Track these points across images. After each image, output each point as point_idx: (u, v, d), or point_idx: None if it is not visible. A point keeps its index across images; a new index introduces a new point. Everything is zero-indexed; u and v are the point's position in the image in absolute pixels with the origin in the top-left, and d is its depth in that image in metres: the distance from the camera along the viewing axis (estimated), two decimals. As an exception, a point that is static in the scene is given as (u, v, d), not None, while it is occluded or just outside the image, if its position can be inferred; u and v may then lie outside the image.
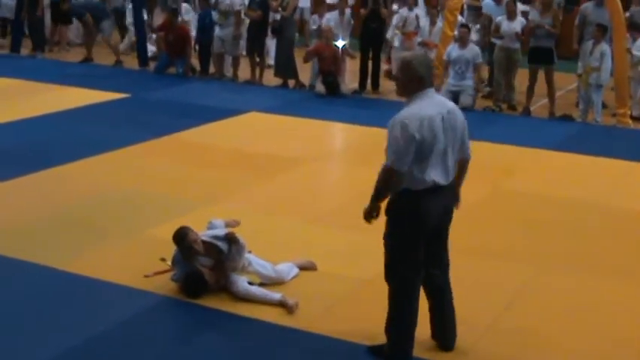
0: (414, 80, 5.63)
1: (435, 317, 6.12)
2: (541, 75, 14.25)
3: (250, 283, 6.82)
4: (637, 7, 15.95)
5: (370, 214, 5.77)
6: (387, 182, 5.58)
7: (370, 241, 7.93)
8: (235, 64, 16.62)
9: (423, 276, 5.83)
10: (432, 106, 5.62)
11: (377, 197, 5.69)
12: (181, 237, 6.82)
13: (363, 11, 15.94)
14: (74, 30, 20.38)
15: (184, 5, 17.98)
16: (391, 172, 5.53)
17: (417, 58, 5.71)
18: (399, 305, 5.82)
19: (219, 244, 6.84)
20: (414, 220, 5.66)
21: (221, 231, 7.06)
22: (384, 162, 5.58)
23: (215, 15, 16.55)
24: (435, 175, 5.62)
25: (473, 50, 14.37)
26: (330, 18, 15.94)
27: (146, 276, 7.05)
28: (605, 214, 9.28)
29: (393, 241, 5.74)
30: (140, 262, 7.30)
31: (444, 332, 6.15)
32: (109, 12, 18.34)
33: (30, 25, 18.96)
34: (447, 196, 5.81)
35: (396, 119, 5.54)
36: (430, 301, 6.08)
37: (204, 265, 6.79)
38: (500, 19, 14.71)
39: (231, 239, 6.84)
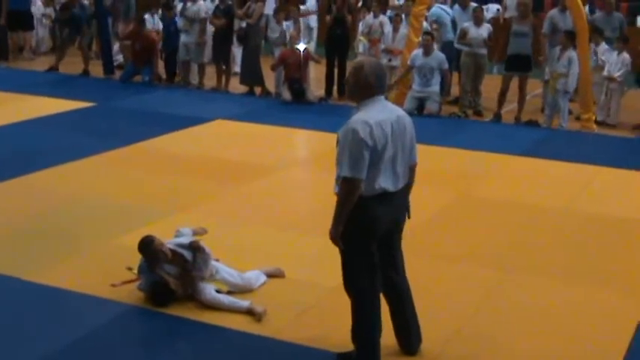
0: (364, 86, 5.62)
1: (398, 322, 6.11)
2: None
3: (218, 291, 6.80)
4: (601, 13, 16.11)
5: (337, 237, 5.61)
6: (350, 194, 5.47)
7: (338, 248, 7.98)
8: (201, 71, 16.61)
9: (381, 281, 5.82)
10: (382, 112, 5.60)
11: (341, 214, 5.52)
12: (146, 244, 6.79)
13: (328, 18, 15.99)
14: (38, 37, 20.29)
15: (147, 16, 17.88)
16: (352, 182, 5.44)
17: (368, 64, 5.70)
18: (361, 313, 5.80)
19: (184, 252, 6.82)
20: (363, 227, 5.61)
21: (186, 239, 7.04)
22: (338, 174, 5.51)
23: (180, 22, 16.53)
24: (384, 181, 5.58)
25: (438, 57, 14.41)
26: (289, 25, 16.01)
27: (113, 285, 7.00)
28: (572, 219, 9.34)
29: (346, 247, 5.67)
30: (107, 272, 7.25)
31: (408, 337, 6.15)
32: (90, 20, 18.23)
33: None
34: (398, 202, 5.77)
35: (346, 127, 5.50)
36: (390, 306, 6.07)
37: (170, 274, 6.76)
38: (467, 25, 14.79)
39: (195, 248, 6.81)
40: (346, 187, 5.47)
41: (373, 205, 5.57)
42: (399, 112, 5.81)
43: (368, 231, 5.64)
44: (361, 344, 5.86)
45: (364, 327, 5.82)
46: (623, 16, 16.34)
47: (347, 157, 5.44)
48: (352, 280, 5.77)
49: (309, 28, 15.98)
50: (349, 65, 5.82)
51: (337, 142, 5.57)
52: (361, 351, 5.86)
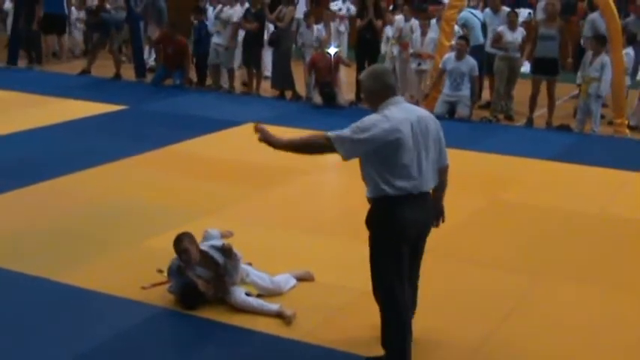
0: (378, 90, 5.72)
1: None
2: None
3: (248, 294, 6.80)
4: (633, 16, 15.99)
5: (266, 140, 5.93)
6: (318, 145, 5.72)
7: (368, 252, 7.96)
8: (231, 75, 16.64)
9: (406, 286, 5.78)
10: (400, 112, 5.63)
11: (290, 144, 5.85)
12: (176, 242, 6.82)
13: (359, 22, 15.97)
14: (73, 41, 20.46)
15: None
16: (330, 141, 5.59)
17: (377, 69, 5.89)
18: (390, 317, 5.78)
19: (215, 255, 6.82)
20: (393, 229, 5.61)
21: (218, 242, 7.05)
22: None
23: (213, 24, 16.58)
24: (403, 181, 5.55)
25: (469, 62, 14.36)
26: (321, 28, 16.00)
27: (143, 288, 7.02)
28: (604, 224, 9.27)
29: (375, 250, 5.69)
30: (137, 274, 7.28)
31: None
32: (123, 24, 18.33)
33: (27, 38, 18.94)
34: (426, 206, 5.75)
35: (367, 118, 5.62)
36: None
37: (200, 276, 6.76)
38: (502, 29, 14.72)
39: (226, 251, 6.81)
40: (326, 140, 5.61)
41: (401, 206, 5.56)
42: (421, 112, 5.81)
43: (398, 234, 5.61)
44: (391, 349, 5.82)
45: (394, 330, 5.78)
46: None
47: (354, 129, 5.54)
48: (380, 281, 5.77)
49: (339, 32, 15.93)
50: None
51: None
52: (391, 355, 5.82)
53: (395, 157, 5.50)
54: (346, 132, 5.57)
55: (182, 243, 6.78)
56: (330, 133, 5.59)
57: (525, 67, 15.50)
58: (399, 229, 5.60)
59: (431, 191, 5.78)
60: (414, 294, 6.06)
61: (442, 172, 5.88)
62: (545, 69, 14.05)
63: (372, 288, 5.84)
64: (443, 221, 6.05)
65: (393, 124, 5.50)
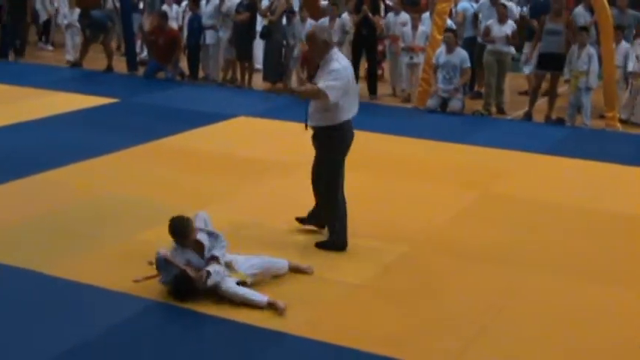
0: (323, 45, 7.63)
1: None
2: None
3: (239, 284, 6.81)
4: (615, 10, 15.92)
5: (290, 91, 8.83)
6: (316, 95, 7.62)
7: (362, 246, 7.97)
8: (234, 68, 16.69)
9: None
10: (343, 59, 7.79)
11: (304, 92, 7.97)
12: (186, 222, 6.92)
13: (355, 17, 15.91)
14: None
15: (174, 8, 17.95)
16: (320, 90, 7.54)
17: (318, 29, 7.99)
18: (334, 200, 7.95)
19: (203, 238, 6.89)
20: (343, 145, 7.90)
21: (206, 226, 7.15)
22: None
23: (214, 19, 16.46)
24: (350, 112, 7.84)
25: (460, 55, 14.36)
26: (314, 24, 15.91)
27: (135, 280, 7.01)
28: (595, 218, 9.29)
29: (330, 160, 7.92)
30: (129, 267, 7.27)
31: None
32: (114, 18, 18.28)
33: (18, 31, 18.87)
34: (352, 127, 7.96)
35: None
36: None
37: (190, 261, 6.78)
38: (491, 22, 14.72)
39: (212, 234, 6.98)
40: (319, 90, 7.54)
41: (348, 128, 7.84)
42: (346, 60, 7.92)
43: (346, 148, 7.93)
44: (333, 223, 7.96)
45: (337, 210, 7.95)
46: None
47: (335, 78, 7.55)
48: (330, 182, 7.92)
49: (344, 32, 15.79)
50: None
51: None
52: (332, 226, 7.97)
53: (347, 93, 7.67)
54: (331, 82, 7.50)
55: (192, 224, 6.88)
56: (321, 85, 7.52)
57: (528, 67, 15.43)
58: (347, 145, 7.91)
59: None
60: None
61: None
62: (551, 64, 14.01)
63: (322, 185, 8.03)
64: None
65: (348, 70, 7.73)
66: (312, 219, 8.37)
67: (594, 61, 13.43)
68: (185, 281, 6.73)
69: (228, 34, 16.35)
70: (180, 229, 6.92)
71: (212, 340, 6.30)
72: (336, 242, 7.94)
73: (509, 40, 14.59)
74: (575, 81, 13.59)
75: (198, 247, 6.89)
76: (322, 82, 7.49)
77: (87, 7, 18.17)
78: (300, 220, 8.40)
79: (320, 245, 7.95)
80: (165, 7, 17.89)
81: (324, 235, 8.17)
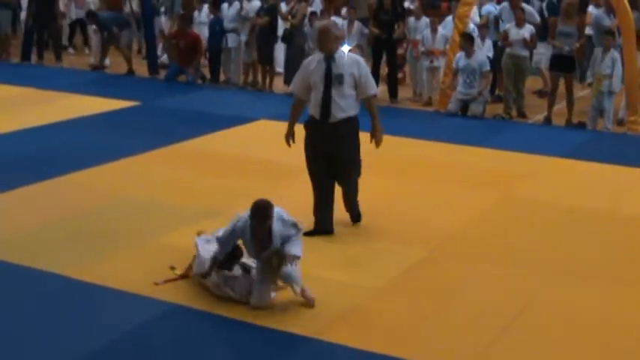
0: (336, 39, 8.21)
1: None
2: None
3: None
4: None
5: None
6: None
7: (383, 250, 7.97)
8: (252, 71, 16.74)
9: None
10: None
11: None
12: (267, 206, 6.87)
13: (372, 22, 15.84)
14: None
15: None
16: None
17: (331, 23, 8.75)
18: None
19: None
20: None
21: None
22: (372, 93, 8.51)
23: (235, 23, 16.49)
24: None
25: (478, 59, 14.32)
26: (329, 20, 15.91)
27: (156, 284, 7.05)
28: (616, 222, 9.25)
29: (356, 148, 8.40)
30: (150, 270, 7.31)
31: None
32: (130, 22, 18.33)
33: (51, 33, 18.97)
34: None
35: (356, 59, 8.51)
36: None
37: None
38: (509, 26, 14.69)
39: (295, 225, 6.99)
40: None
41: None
42: None
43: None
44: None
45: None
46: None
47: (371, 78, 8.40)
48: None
49: (362, 34, 15.78)
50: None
51: (355, 71, 8.34)
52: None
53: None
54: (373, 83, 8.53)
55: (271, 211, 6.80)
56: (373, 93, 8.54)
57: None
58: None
59: None
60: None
61: None
62: (562, 66, 13.98)
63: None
64: None
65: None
66: (352, 218, 8.75)
67: (618, 65, 13.37)
68: (236, 252, 6.89)
69: (247, 37, 16.38)
70: (259, 212, 6.81)
71: (233, 344, 6.34)
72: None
73: (526, 43, 14.54)
74: (597, 84, 13.54)
75: (268, 233, 6.80)
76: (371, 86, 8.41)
77: (109, 9, 18.24)
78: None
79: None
80: (195, 13, 17.90)
81: (351, 238, 8.17)
